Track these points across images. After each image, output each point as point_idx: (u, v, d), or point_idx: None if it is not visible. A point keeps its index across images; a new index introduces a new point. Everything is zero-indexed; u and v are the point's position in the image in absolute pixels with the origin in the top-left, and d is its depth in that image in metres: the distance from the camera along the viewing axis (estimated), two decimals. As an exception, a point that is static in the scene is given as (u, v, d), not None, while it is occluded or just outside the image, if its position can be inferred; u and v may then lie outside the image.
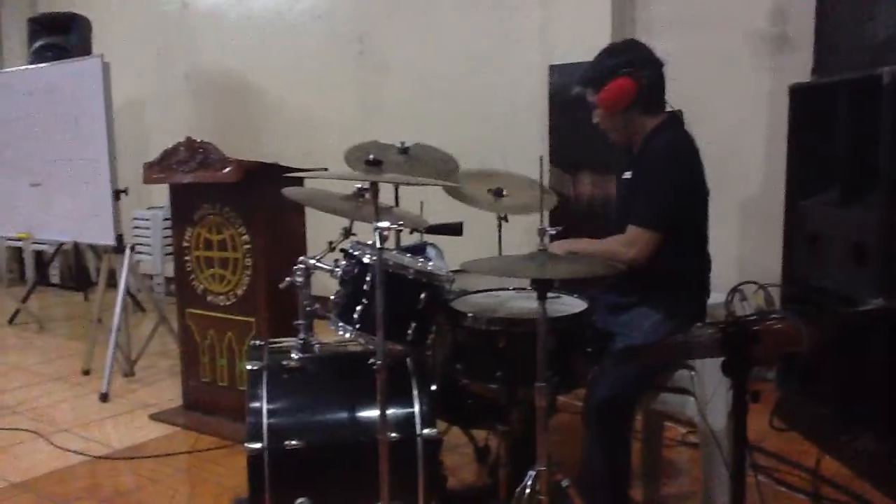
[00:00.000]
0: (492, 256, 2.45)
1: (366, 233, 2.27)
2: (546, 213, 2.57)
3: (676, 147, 2.55)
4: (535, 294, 2.03)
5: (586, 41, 4.30)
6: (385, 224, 2.13)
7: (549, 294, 2.06)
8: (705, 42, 4.39)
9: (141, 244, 6.50)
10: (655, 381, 2.54)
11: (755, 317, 1.73)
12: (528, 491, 2.12)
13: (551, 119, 4.72)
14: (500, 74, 5.08)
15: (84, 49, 5.74)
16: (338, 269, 2.43)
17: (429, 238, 3.05)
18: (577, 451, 2.48)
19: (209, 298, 3.76)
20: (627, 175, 2.66)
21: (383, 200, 2.28)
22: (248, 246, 3.58)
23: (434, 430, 2.34)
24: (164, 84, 6.90)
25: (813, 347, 1.65)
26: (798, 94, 3.59)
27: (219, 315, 3.74)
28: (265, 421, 2.31)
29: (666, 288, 2.50)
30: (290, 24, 6.09)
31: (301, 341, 2.52)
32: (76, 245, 6.89)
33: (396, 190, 3.36)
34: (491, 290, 2.64)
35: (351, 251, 2.42)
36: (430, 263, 2.61)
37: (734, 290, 1.94)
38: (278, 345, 2.61)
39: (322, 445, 2.32)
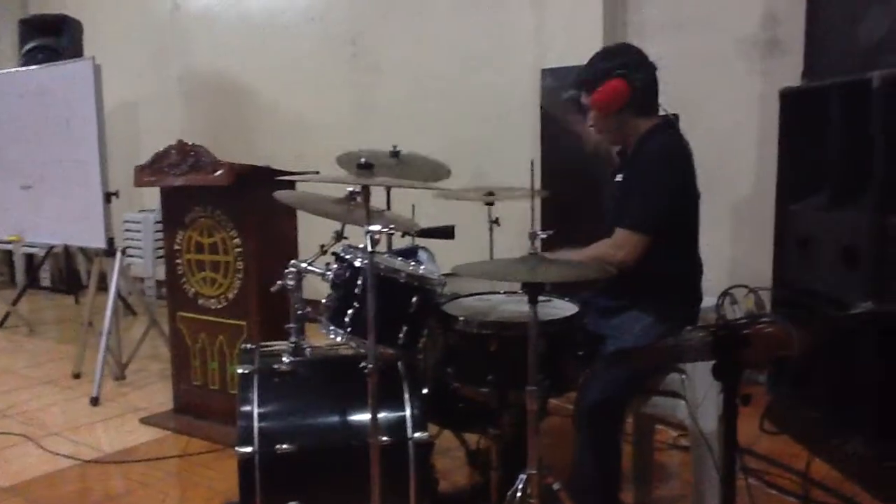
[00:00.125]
0: (483, 260, 2.45)
1: (357, 236, 2.27)
2: (538, 217, 2.57)
3: (670, 150, 2.55)
4: (526, 298, 2.04)
5: (578, 45, 4.32)
6: (376, 227, 2.13)
7: (541, 297, 2.06)
8: (697, 46, 4.40)
9: (132, 247, 6.48)
10: (646, 385, 2.54)
11: (746, 320, 1.74)
12: (519, 494, 2.12)
13: (543, 122, 4.72)
14: (492, 77, 5.09)
15: (75, 51, 5.73)
16: (329, 273, 2.43)
17: (420, 241, 3.05)
18: (569, 455, 2.48)
19: (200, 302, 3.75)
20: (620, 177, 2.66)
21: (375, 204, 2.28)
22: (239, 249, 3.58)
23: (425, 434, 2.34)
24: (155, 86, 6.89)
25: (803, 351, 1.65)
26: (789, 98, 3.61)
27: (210, 318, 3.73)
28: (256, 425, 2.31)
29: (657, 291, 2.50)
30: (283, 25, 6.09)
31: (292, 345, 2.52)
32: (67, 248, 6.86)
33: (388, 193, 3.36)
34: (482, 293, 2.64)
35: (342, 255, 2.42)
36: (422, 267, 2.61)
37: (725, 293, 1.94)
38: (269, 348, 2.61)
39: (313, 449, 2.32)
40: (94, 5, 6.90)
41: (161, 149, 3.70)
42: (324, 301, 2.42)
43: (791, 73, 3.72)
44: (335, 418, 2.39)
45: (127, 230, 6.60)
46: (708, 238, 2.68)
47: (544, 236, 2.25)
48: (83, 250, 6.44)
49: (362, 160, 2.27)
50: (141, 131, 6.91)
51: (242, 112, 6.38)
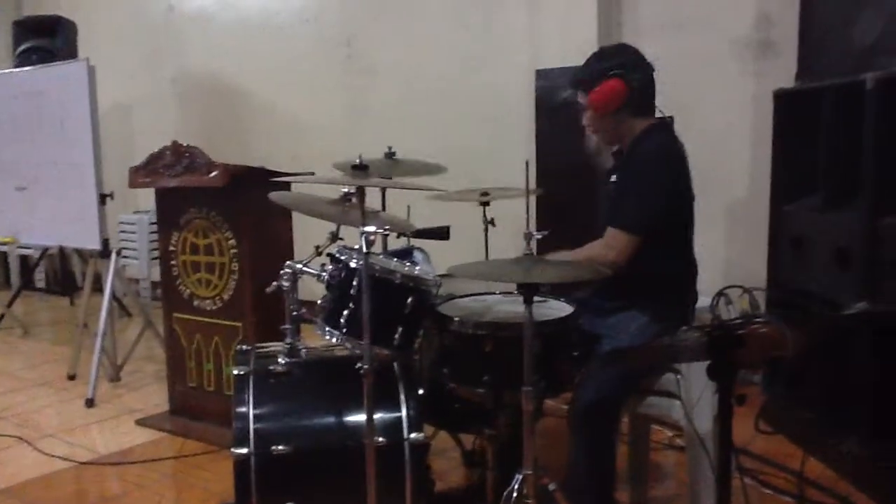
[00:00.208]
0: (478, 261, 2.45)
1: (353, 237, 2.27)
2: (532, 218, 2.58)
3: (665, 151, 2.56)
4: (521, 298, 2.04)
5: (573, 46, 4.33)
6: (372, 228, 2.14)
7: (536, 298, 2.06)
8: (691, 47, 4.41)
9: (127, 248, 6.47)
10: (641, 385, 2.55)
11: (740, 321, 1.74)
12: (515, 495, 2.13)
13: (538, 123, 4.73)
14: (486, 78, 5.09)
15: (70, 52, 5.72)
16: (324, 274, 2.43)
17: (416, 242, 3.06)
18: (564, 455, 2.49)
19: (196, 303, 3.75)
20: (615, 178, 2.67)
21: (370, 205, 2.28)
22: (234, 250, 3.58)
23: (421, 435, 2.34)
24: (150, 87, 6.87)
25: (798, 351, 1.66)
26: (782, 99, 3.62)
27: (205, 320, 3.73)
28: (252, 426, 2.31)
29: (652, 291, 2.50)
30: (276, 27, 6.09)
31: (288, 346, 2.52)
32: (62, 249, 6.84)
33: (383, 194, 3.36)
34: (478, 294, 2.65)
35: (338, 255, 2.42)
36: (417, 268, 2.61)
37: (720, 293, 1.95)
38: (265, 349, 2.61)
39: (309, 450, 2.32)
40: (89, 6, 6.89)
41: (156, 150, 3.70)
42: (319, 302, 2.42)
43: (785, 74, 3.73)
44: (331, 419, 2.39)
45: (122, 231, 6.59)
46: (702, 238, 2.69)
47: (539, 237, 2.25)
48: (78, 252, 6.41)
49: (357, 161, 2.27)
50: (135, 132, 6.89)
51: (237, 113, 6.38)
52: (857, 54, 3.19)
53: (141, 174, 3.75)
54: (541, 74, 4.69)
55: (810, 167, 3.40)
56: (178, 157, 3.60)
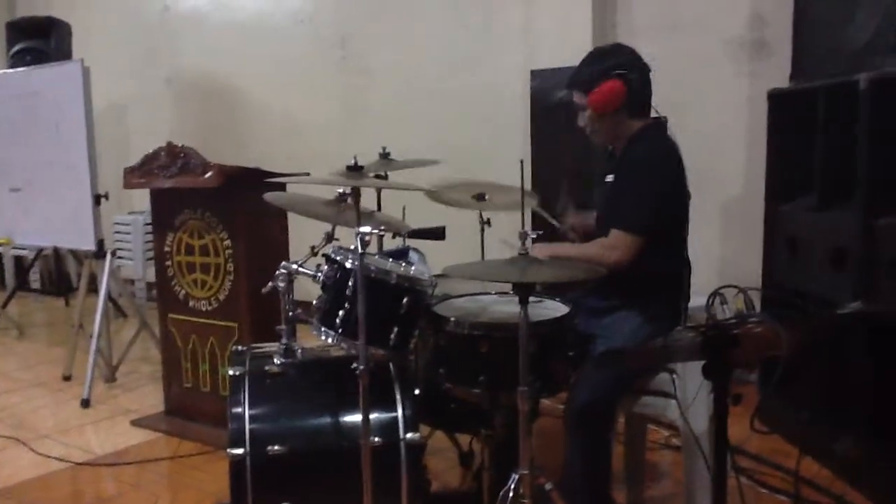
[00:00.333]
0: (474, 261, 2.45)
1: (348, 237, 2.27)
2: (528, 217, 2.58)
3: (664, 151, 2.56)
4: (517, 298, 2.04)
5: (568, 46, 4.33)
6: (367, 229, 2.14)
7: (532, 298, 2.06)
8: (685, 47, 4.42)
9: (122, 249, 6.47)
10: (635, 385, 2.55)
11: (735, 320, 1.75)
12: (511, 494, 2.13)
13: (533, 123, 4.73)
14: (482, 78, 5.10)
15: (64, 53, 5.71)
16: (320, 274, 2.43)
17: (411, 242, 3.06)
18: (561, 455, 2.49)
19: (191, 304, 3.75)
20: (610, 178, 2.67)
21: (365, 205, 2.28)
22: (229, 251, 3.57)
23: (417, 435, 2.34)
24: (145, 88, 6.86)
25: (793, 351, 1.66)
26: (776, 100, 3.63)
27: (201, 320, 3.72)
28: (247, 426, 2.30)
29: (647, 292, 2.51)
30: (272, 27, 6.08)
31: (283, 346, 2.52)
32: (56, 250, 6.83)
33: (379, 194, 3.36)
34: (474, 294, 2.65)
35: (333, 256, 2.42)
36: (413, 268, 2.61)
37: (715, 293, 1.95)
38: (260, 350, 2.60)
39: (305, 451, 2.32)
40: (83, 7, 6.88)
41: (150, 151, 3.69)
42: (315, 302, 2.42)
43: (779, 74, 3.74)
44: (327, 420, 2.39)
45: (117, 232, 6.58)
46: (697, 238, 2.69)
47: (535, 236, 2.25)
48: (73, 252, 6.42)
49: (353, 161, 2.27)
50: (130, 133, 6.88)
51: (232, 114, 6.37)
52: (850, 54, 3.20)
53: (136, 175, 3.75)
54: (536, 75, 4.69)
55: (805, 167, 3.41)
56: (172, 157, 3.60)
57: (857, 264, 3.02)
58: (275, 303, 2.54)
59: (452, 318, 2.31)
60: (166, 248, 3.80)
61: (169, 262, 3.80)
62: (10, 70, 5.37)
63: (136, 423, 3.89)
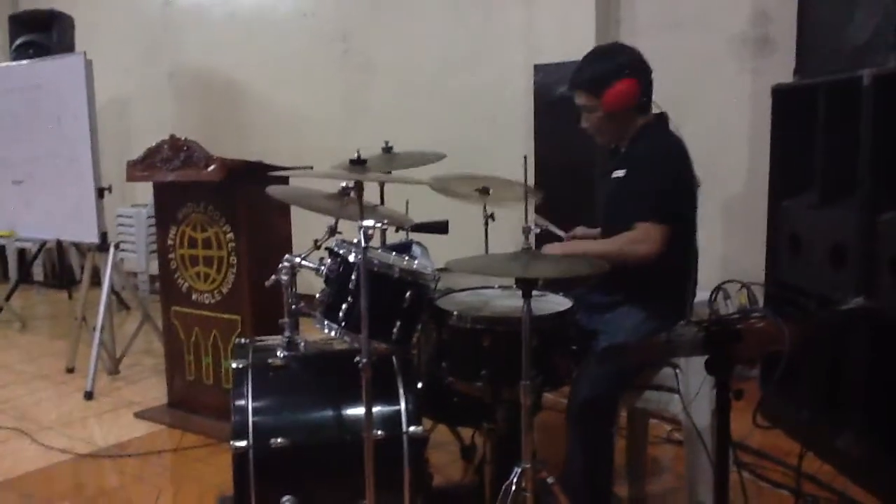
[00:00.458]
0: (477, 255, 2.45)
1: (351, 231, 2.27)
2: (531, 211, 2.58)
3: (673, 144, 2.57)
4: (519, 293, 2.04)
5: (571, 41, 4.33)
6: (370, 222, 2.14)
7: (535, 292, 2.07)
8: (689, 43, 4.42)
9: (125, 242, 6.48)
10: (638, 380, 2.55)
11: (737, 315, 1.75)
12: (513, 488, 2.13)
13: (536, 118, 4.73)
14: (484, 73, 5.09)
15: (66, 46, 5.70)
16: (323, 268, 2.43)
17: (414, 236, 3.06)
18: (563, 449, 2.50)
19: (194, 297, 3.75)
20: (620, 174, 2.65)
21: (368, 199, 2.29)
22: (232, 244, 3.58)
23: (420, 428, 2.34)
24: (147, 82, 6.87)
25: (795, 346, 1.66)
26: (780, 96, 3.62)
27: (204, 313, 3.73)
28: (250, 419, 2.31)
29: (651, 287, 2.51)
30: (274, 22, 6.08)
31: (286, 340, 2.52)
32: (59, 243, 6.85)
33: (382, 188, 3.36)
34: (476, 288, 2.65)
35: (336, 250, 2.42)
36: (416, 262, 2.61)
37: (717, 288, 1.95)
38: (263, 343, 2.60)
39: (307, 444, 2.32)
40: (85, 1, 6.86)
41: (153, 144, 3.69)
42: (318, 296, 2.42)
43: (782, 70, 3.73)
44: (329, 413, 2.39)
45: (120, 225, 6.60)
46: (700, 233, 2.68)
47: (538, 231, 2.26)
48: (76, 245, 6.43)
49: (356, 155, 2.27)
50: (132, 127, 6.89)
51: (234, 108, 6.37)
52: (854, 50, 3.19)
53: (138, 168, 3.75)
54: (539, 69, 4.68)
55: (808, 163, 3.41)
56: (175, 151, 3.60)
57: (859, 261, 3.01)
58: (278, 296, 2.54)
59: (455, 312, 2.31)
60: (169, 241, 3.80)
61: (172, 255, 3.80)
62: (13, 63, 5.38)
63: (140, 415, 3.90)
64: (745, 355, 1.71)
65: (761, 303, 1.92)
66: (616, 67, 2.56)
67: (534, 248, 2.22)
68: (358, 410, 2.26)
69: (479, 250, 3.19)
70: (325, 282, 2.42)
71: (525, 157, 2.32)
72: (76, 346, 4.67)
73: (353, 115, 5.69)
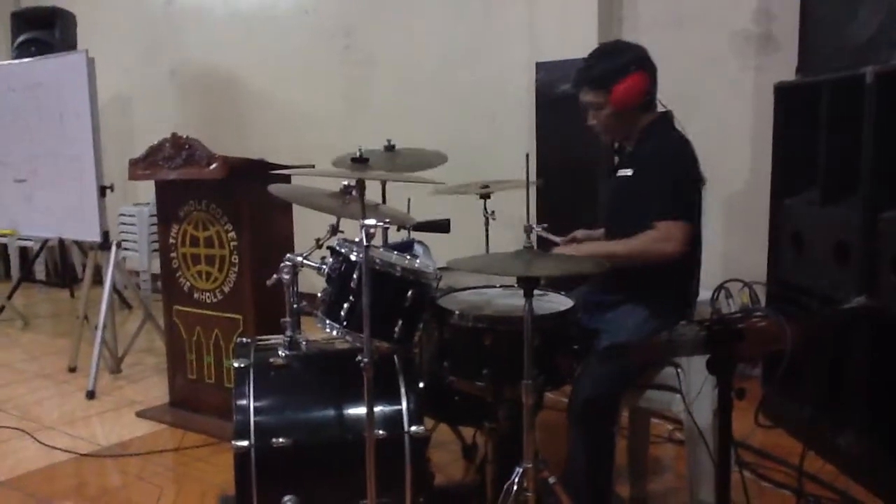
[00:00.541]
0: (479, 254, 2.45)
1: (353, 230, 2.27)
2: (532, 210, 2.57)
3: (682, 141, 2.57)
4: (521, 292, 2.04)
5: (573, 38, 4.33)
6: (372, 221, 2.14)
7: (537, 291, 2.06)
8: (691, 41, 4.41)
9: (127, 240, 6.47)
10: (638, 380, 2.55)
11: (739, 314, 1.75)
12: (515, 488, 2.13)
13: (537, 116, 4.72)
14: (485, 71, 5.09)
15: (68, 44, 5.71)
16: (325, 267, 2.43)
17: (416, 235, 3.06)
18: (564, 448, 2.49)
19: (196, 295, 3.75)
20: (626, 172, 2.64)
21: (370, 197, 2.28)
22: (234, 243, 3.58)
23: (421, 428, 2.34)
24: (149, 80, 6.87)
25: (797, 345, 1.66)
26: (783, 93, 3.61)
27: (205, 312, 3.73)
28: (252, 418, 2.31)
29: (653, 286, 2.50)
30: (275, 19, 6.08)
31: (288, 339, 2.52)
32: (61, 241, 6.85)
33: (383, 187, 3.36)
34: (478, 287, 2.65)
35: (338, 248, 2.42)
36: (418, 261, 2.61)
37: (720, 287, 1.95)
38: (265, 342, 2.60)
39: (309, 443, 2.32)
40: (87, -2, 6.88)
41: (155, 142, 3.69)
42: (319, 295, 2.42)
43: (785, 68, 3.72)
44: (331, 412, 2.39)
45: (122, 223, 6.59)
46: (702, 232, 2.68)
47: (539, 229, 2.25)
48: (78, 244, 6.43)
49: (357, 153, 2.27)
50: (134, 125, 6.89)
51: (236, 106, 6.37)
52: (856, 48, 3.19)
53: (140, 166, 3.75)
54: (541, 67, 4.68)
55: (810, 161, 3.40)
56: (177, 149, 3.59)
57: (861, 259, 3.01)
58: (279, 295, 2.54)
59: (457, 311, 2.31)
60: (171, 240, 3.80)
61: (174, 254, 3.80)
62: (15, 60, 5.38)
63: (141, 414, 3.90)
64: (746, 354, 1.71)
65: (763, 302, 1.92)
66: (624, 63, 2.56)
67: (535, 247, 2.21)
68: (359, 410, 2.25)
69: (481, 249, 3.19)
70: (327, 281, 2.42)
71: (528, 155, 2.31)
72: (78, 344, 4.68)
73: (354, 112, 5.69)
